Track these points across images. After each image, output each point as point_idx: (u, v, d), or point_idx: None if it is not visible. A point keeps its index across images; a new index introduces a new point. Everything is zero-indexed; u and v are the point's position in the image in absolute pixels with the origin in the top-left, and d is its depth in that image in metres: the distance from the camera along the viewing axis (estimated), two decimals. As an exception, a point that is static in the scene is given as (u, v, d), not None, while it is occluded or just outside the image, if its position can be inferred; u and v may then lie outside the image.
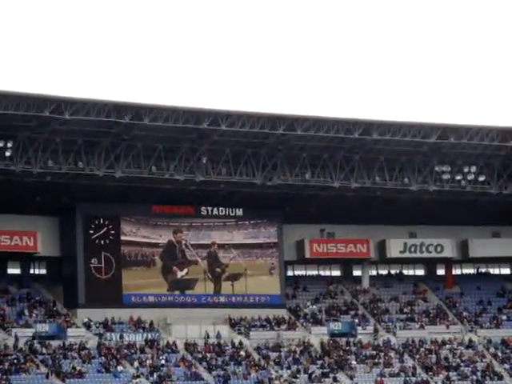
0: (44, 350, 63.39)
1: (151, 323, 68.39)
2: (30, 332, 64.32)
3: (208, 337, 68.48)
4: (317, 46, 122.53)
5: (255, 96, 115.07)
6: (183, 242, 71.63)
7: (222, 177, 68.17)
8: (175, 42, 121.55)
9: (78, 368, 62.32)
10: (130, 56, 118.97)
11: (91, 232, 68.87)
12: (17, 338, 63.17)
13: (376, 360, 69.76)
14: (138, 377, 63.19)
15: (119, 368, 63.58)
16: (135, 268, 69.93)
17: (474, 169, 71.96)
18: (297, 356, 68.72)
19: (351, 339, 71.27)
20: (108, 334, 66.47)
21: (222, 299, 71.47)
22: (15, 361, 61.31)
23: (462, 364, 70.89)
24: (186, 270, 71.37)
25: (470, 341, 73.38)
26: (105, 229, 69.30)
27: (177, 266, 71.22)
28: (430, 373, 69.74)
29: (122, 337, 66.39)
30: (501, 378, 70.08)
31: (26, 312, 66.56)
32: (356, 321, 73.36)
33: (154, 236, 70.85)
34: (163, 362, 65.29)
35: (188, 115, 64.06)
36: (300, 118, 66.55)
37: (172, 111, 63.76)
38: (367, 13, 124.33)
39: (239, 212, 72.46)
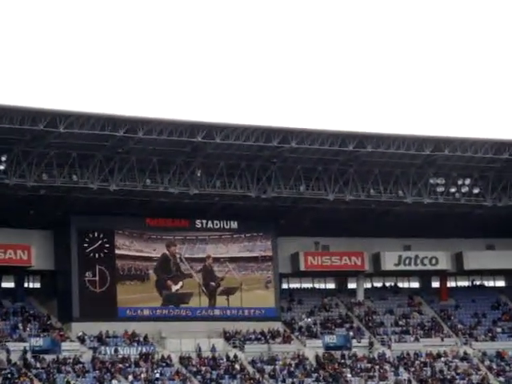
0: (38, 365, 63.13)
1: (146, 337, 68.20)
2: (23, 346, 64.02)
3: (200, 350, 68.07)
4: (311, 59, 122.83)
5: (249, 109, 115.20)
6: (177, 256, 71.41)
7: (217, 190, 68.14)
8: (170, 55, 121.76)
9: (72, 382, 62.10)
10: (124, 69, 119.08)
11: (85, 245, 68.72)
12: (8, 353, 62.80)
13: (371, 373, 69.64)
14: (132, 391, 62.98)
15: (114, 382, 63.36)
16: (129, 282, 69.74)
17: (468, 181, 72.05)
18: (292, 369, 68.56)
19: (346, 352, 71.14)
20: (102, 347, 66.25)
21: (217, 312, 71.33)
22: (9, 375, 61.03)
23: (457, 377, 70.79)
24: (180, 284, 71.13)
25: (465, 353, 73.30)
26: (99, 242, 69.16)
27: (171, 279, 70.96)
28: (426, 386, 69.61)
29: (116, 350, 66.18)
30: (496, 390, 70.03)
31: (20, 326, 66.32)
32: (351, 334, 73.27)
33: (147, 250, 70.61)
34: (158, 375, 65.08)
35: (182, 128, 64.09)
36: (294, 130, 66.61)
37: (166, 124, 63.79)
38: (361, 26, 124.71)
39: (234, 225, 72.39)
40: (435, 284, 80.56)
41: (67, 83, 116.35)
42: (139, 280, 69.93)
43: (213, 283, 71.88)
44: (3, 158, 62.15)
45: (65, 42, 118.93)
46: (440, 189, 72.01)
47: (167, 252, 71.07)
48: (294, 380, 67.47)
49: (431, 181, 71.83)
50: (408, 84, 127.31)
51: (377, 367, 70.28)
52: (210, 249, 72.10)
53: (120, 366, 64.90)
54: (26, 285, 70.51)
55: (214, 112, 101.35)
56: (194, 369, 66.72)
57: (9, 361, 62.52)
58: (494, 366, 72.42)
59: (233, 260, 72.50)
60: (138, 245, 70.35)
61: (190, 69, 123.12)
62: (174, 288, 70.87)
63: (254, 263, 73.11)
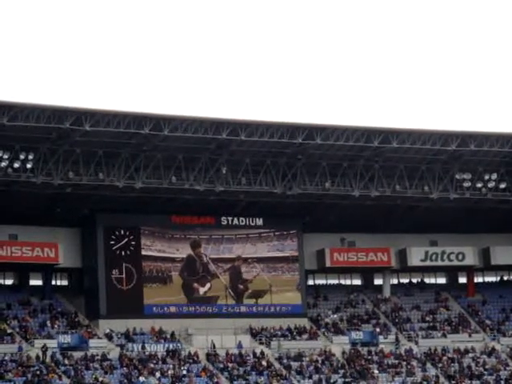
0: (66, 361, 63.52)
1: (172, 334, 68.41)
2: (52, 343, 64.46)
3: (214, 347, 66.97)
4: (335, 56, 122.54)
5: (274, 105, 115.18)
6: (203, 256, 70.61)
7: (242, 187, 68.17)
8: (194, 53, 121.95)
9: (100, 379, 62.40)
10: (149, 68, 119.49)
11: (112, 243, 69.01)
12: (46, 349, 63.02)
13: (398, 369, 69.43)
14: (159, 387, 63.22)
15: (141, 379, 63.60)
16: (151, 285, 68.93)
17: (494, 176, 71.62)
18: (318, 365, 68.52)
19: (373, 348, 70.99)
20: (130, 344, 66.53)
21: (243, 309, 71.35)
22: (38, 372, 61.49)
23: (485, 372, 70.41)
24: (208, 286, 70.26)
25: (493, 349, 72.89)
26: (125, 240, 69.42)
27: (198, 282, 70.18)
28: (453, 381, 69.29)
29: (143, 347, 66.44)
30: (524, 386, 69.56)
31: (48, 323, 66.75)
32: (377, 330, 73.07)
33: (170, 250, 69.85)
34: (185, 372, 65.26)
35: (207, 125, 64.19)
36: (319, 126, 66.50)
37: (191, 121, 63.92)
38: (381, 22, 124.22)
39: (259, 222, 72.35)
40: (462, 280, 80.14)
41: (93, 81, 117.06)
42: (161, 283, 69.34)
43: (241, 286, 71.16)
44: (30, 157, 62.61)
45: (91, 41, 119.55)
46: (466, 184, 71.66)
47: (192, 252, 70.39)
48: (321, 376, 67.40)
49: (457, 176, 71.48)
50: (433, 79, 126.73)
51: (404, 363, 70.06)
52: (237, 248, 71.51)
53: (147, 362, 65.07)
54: (53, 282, 70.96)
55: (239, 109, 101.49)
56: (221, 365, 66.85)
57: (38, 358, 62.98)
58: (523, 362, 71.96)
59: (261, 260, 71.71)
60: (161, 245, 69.73)
61: (214, 66, 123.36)
62: (202, 290, 70.08)
63: (284, 263, 72.32)
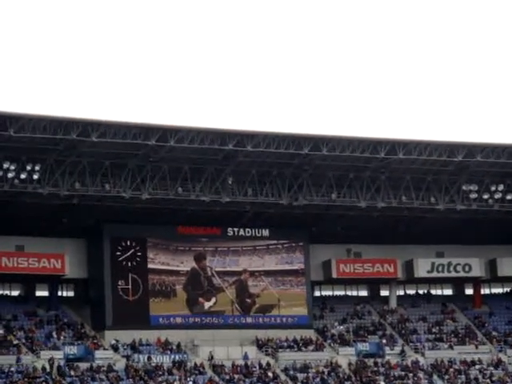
0: (72, 373, 63.44)
1: (178, 345, 68.33)
2: (58, 354, 64.40)
3: (212, 358, 66.40)
4: (341, 66, 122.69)
5: (280, 116, 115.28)
6: (208, 269, 70.33)
7: (248, 197, 68.18)
8: (200, 64, 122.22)
9: (105, 390, 62.35)
10: (156, 78, 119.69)
11: (118, 254, 69.00)
12: (53, 362, 62.78)
13: (405, 381, 69.20)
14: (165, 399, 63.06)
15: (147, 390, 63.50)
16: (154, 299, 68.54)
17: (501, 187, 71.49)
18: (325, 377, 68.33)
19: (379, 360, 70.80)
20: (136, 355, 66.44)
21: (249, 320, 71.22)
22: (44, 383, 61.38)
23: (492, 384, 70.20)
24: (213, 300, 69.77)
25: (500, 361, 72.61)
26: (131, 250, 69.42)
27: (203, 296, 69.75)
28: (460, 393, 69.09)
29: (149, 358, 66.36)
30: (532, 398, 69.27)
31: (54, 334, 66.72)
32: (384, 341, 72.89)
33: (174, 263, 69.38)
34: (191, 383, 65.13)
35: (213, 136, 64.26)
36: (325, 137, 66.50)
37: (198, 132, 63.99)
38: (387, 33, 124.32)
39: (265, 233, 72.27)
40: (469, 291, 79.93)
41: (100, 93, 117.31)
42: (165, 297, 68.91)
43: (248, 300, 70.51)
44: (37, 168, 62.71)
45: (96, 51, 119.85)
46: (473, 195, 71.54)
47: (196, 266, 69.85)
48: (327, 388, 67.22)
49: (464, 187, 71.38)
50: (441, 90, 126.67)
51: (410, 375, 69.83)
52: (244, 261, 71.09)
53: (153, 373, 64.89)
54: (59, 293, 70.96)
55: (245, 120, 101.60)
56: (227, 376, 66.70)
57: (43, 369, 62.90)
58: (530, 374, 71.65)
59: (269, 274, 71.21)
60: (164, 257, 69.20)
61: (221, 77, 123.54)
62: (207, 305, 69.59)
63: (293, 277, 71.92)
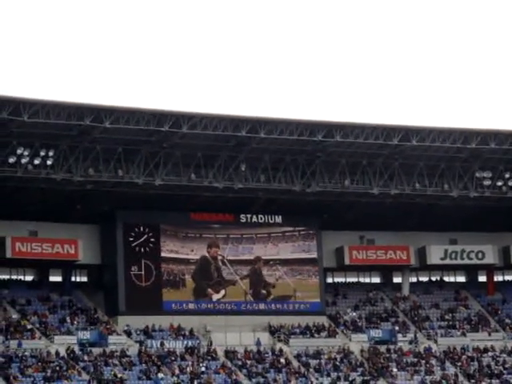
0: (85, 357, 63.80)
1: (191, 330, 68.53)
2: (71, 339, 64.75)
3: (211, 344, 66.03)
4: (355, 53, 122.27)
5: (294, 103, 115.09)
6: (219, 258, 69.83)
7: (261, 184, 68.16)
8: (213, 51, 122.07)
9: (119, 375, 62.63)
10: (168, 64, 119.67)
11: (131, 240, 69.16)
12: (70, 350, 63.05)
13: (417, 367, 69.24)
14: (178, 384, 63.39)
15: (160, 375, 63.78)
16: (163, 289, 68.23)
17: (515, 174, 71.20)
18: (337, 363, 68.45)
19: (392, 346, 70.82)
20: (149, 341, 66.70)
21: (262, 306, 71.32)
22: (57, 368, 61.80)
23: (504, 371, 70.07)
24: (222, 293, 69.11)
25: (513, 348, 72.57)
26: (144, 236, 69.55)
27: (212, 287, 69.13)
28: (473, 380, 69.07)
29: (162, 344, 66.60)
30: (544, 385, 69.20)
31: (68, 319, 67.06)
32: (396, 328, 72.89)
33: (184, 250, 68.75)
34: (203, 369, 65.38)
35: (226, 123, 64.22)
36: (339, 124, 66.36)
37: (211, 119, 63.97)
38: (400, 20, 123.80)
39: (278, 219, 72.23)
40: (482, 278, 79.79)
41: (112, 79, 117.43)
42: (173, 287, 68.42)
43: (263, 291, 69.88)
44: (50, 154, 62.88)
45: (109, 38, 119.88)
46: (486, 182, 71.28)
47: (207, 254, 69.38)
48: (340, 374, 67.35)
49: (477, 174, 71.14)
50: (454, 77, 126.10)
51: (423, 362, 69.86)
52: (258, 249, 70.53)
53: (166, 359, 65.18)
54: (73, 278, 71.23)
55: (258, 106, 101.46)
56: (240, 362, 66.90)
57: (57, 354, 63.26)
58: (543, 361, 71.56)
59: (284, 263, 70.98)
60: (173, 244, 68.85)
61: (234, 63, 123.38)
62: (216, 297, 68.99)
63: (310, 266, 71.49)
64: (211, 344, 67.29)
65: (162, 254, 69.01)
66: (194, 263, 69.52)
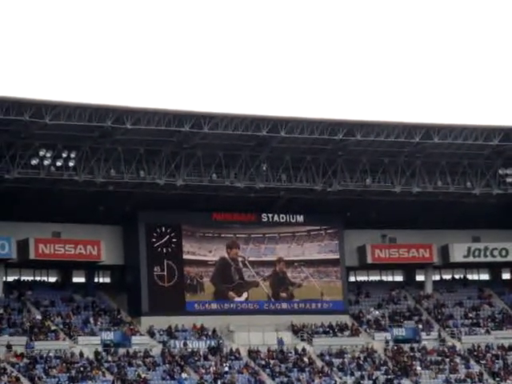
0: (109, 358, 64.04)
1: (214, 330, 68.62)
2: (95, 340, 65.00)
3: (219, 345, 65.71)
4: (375, 50, 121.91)
5: (314, 102, 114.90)
6: (240, 260, 69.36)
7: (282, 183, 68.15)
8: (234, 51, 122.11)
9: (142, 375, 62.84)
10: (189, 65, 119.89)
11: (154, 240, 69.30)
12: (98, 353, 63.24)
13: (441, 366, 68.96)
14: (202, 384, 63.49)
15: (183, 375, 63.93)
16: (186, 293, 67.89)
17: (538, 171, 70.74)
18: (360, 362, 68.29)
19: (415, 345, 70.56)
20: (172, 341, 66.85)
21: (284, 306, 71.27)
22: (82, 368, 62.06)
23: (529, 369, 69.70)
24: (245, 295, 68.67)
25: (538, 346, 72.08)
26: (167, 237, 69.68)
27: (233, 290, 68.78)
28: (497, 378, 68.70)
29: (185, 344, 66.73)
30: None
31: (91, 320, 67.33)
32: (420, 326, 72.63)
33: (201, 252, 68.17)
34: (227, 369, 65.43)
35: (247, 123, 64.26)
36: (360, 122, 66.24)
37: (231, 119, 64.04)
38: (425, 11, 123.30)
39: (300, 218, 72.11)
40: (506, 276, 79.38)
41: (133, 80, 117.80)
42: (190, 291, 68.12)
43: (284, 294, 69.37)
44: (72, 155, 63.17)
45: (130, 39, 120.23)
46: (509, 179, 70.87)
47: (227, 255, 68.87)
48: (363, 373, 67.18)
49: (500, 171, 70.75)
50: (476, 74, 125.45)
51: (447, 360, 69.56)
52: (281, 250, 70.02)
53: (189, 359, 65.28)
54: (96, 279, 71.48)
55: (279, 106, 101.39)
56: (263, 362, 66.90)
57: (81, 354, 63.54)
58: None
59: (309, 264, 70.72)
60: (190, 245, 68.43)
61: (254, 63, 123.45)
62: (238, 300, 68.82)
63: (338, 267, 70.78)
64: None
65: (184, 256, 68.91)
66: (212, 265, 69.40)
